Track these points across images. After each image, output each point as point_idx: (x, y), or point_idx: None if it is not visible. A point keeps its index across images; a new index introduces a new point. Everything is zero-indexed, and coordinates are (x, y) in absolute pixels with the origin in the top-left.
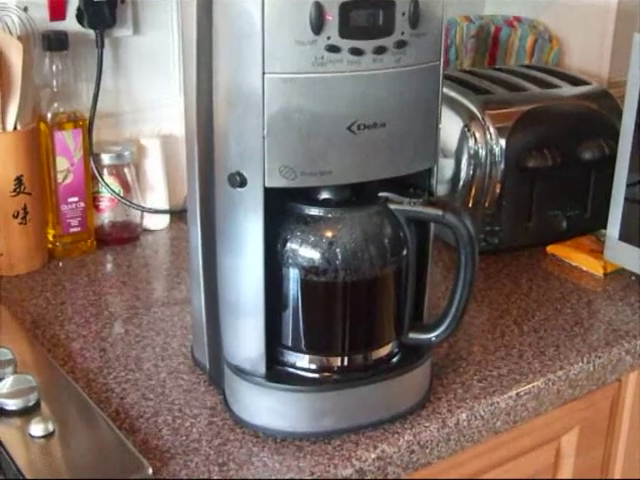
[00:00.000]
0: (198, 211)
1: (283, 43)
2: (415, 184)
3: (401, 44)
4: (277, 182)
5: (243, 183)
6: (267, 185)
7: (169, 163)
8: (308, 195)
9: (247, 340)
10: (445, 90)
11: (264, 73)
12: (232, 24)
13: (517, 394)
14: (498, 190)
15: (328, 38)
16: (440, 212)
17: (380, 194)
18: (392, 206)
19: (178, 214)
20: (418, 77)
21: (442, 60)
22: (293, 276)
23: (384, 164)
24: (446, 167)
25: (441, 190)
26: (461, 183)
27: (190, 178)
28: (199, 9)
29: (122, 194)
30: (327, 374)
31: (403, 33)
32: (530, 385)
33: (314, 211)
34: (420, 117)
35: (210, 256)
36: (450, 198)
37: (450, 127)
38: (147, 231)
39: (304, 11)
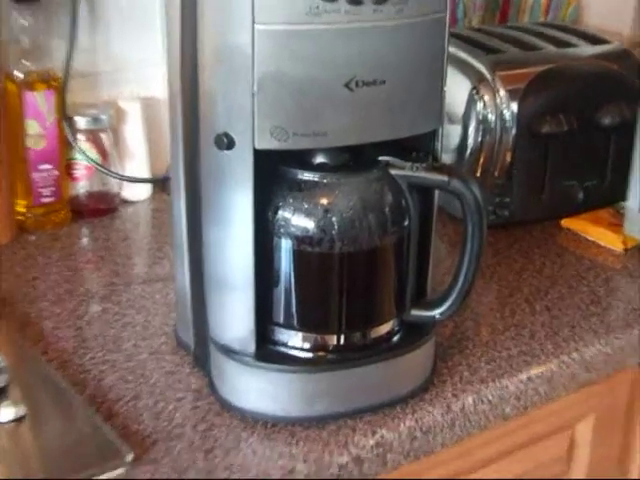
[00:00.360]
0: (182, 179)
1: None
2: (418, 148)
3: None
4: (268, 144)
5: (231, 145)
6: (257, 147)
7: (151, 128)
8: (302, 159)
9: (235, 317)
10: (452, 50)
11: (254, 23)
12: None
13: (528, 377)
14: (509, 158)
15: None
16: (445, 178)
17: (380, 158)
18: (393, 171)
19: (160, 183)
20: (422, 30)
21: (448, 11)
22: (285, 247)
23: (384, 125)
24: (452, 134)
25: (447, 159)
26: (468, 151)
27: (173, 142)
28: None
29: (99, 161)
30: (322, 353)
31: None
32: (542, 368)
33: (308, 176)
34: (424, 75)
35: (195, 228)
36: (459, 167)
37: (457, 90)
38: (126, 202)
39: None
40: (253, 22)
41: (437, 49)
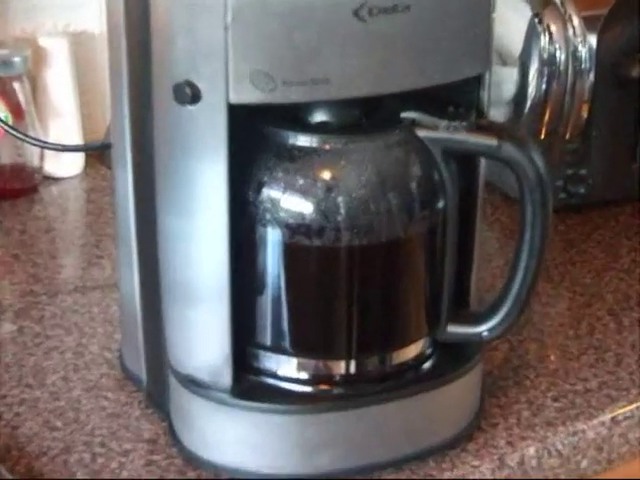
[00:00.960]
0: (128, 146)
1: None
2: (456, 100)
3: None
4: (247, 96)
5: (196, 98)
6: (232, 101)
7: (83, 75)
8: (295, 117)
9: (204, 338)
10: None
11: None
12: None
13: (613, 419)
14: (585, 114)
15: None
16: (494, 141)
17: (404, 115)
18: (422, 133)
19: (97, 153)
20: None
21: None
22: (273, 240)
23: (409, 69)
24: (506, 80)
25: (498, 116)
26: (528, 104)
27: (115, 96)
28: None
29: (11, 122)
30: (324, 387)
31: None
32: (632, 406)
33: (304, 140)
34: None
35: (147, 215)
36: (513, 126)
37: (512, 18)
38: (50, 179)
39: None
40: None
41: None
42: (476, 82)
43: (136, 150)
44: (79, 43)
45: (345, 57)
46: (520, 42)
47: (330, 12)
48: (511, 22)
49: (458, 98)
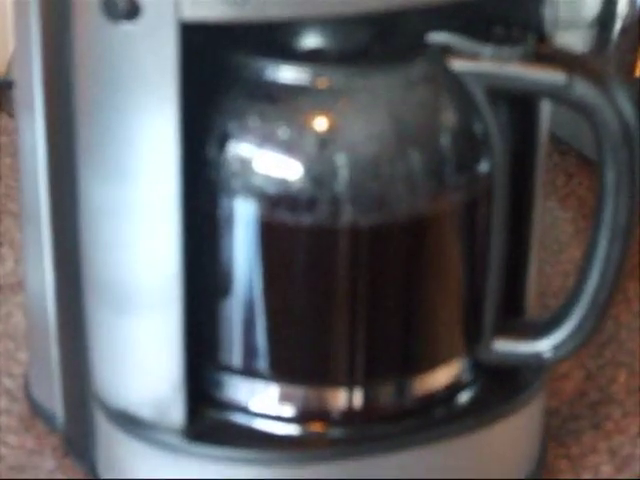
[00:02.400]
0: (38, 83)
1: None
2: (507, 18)
3: None
4: (207, 10)
5: (133, 11)
6: (186, 17)
7: None
8: (275, 41)
9: (146, 358)
10: None
11: None
12: None
13: None
14: None
15: None
16: (561, 77)
17: (432, 38)
18: (457, 64)
19: None
20: None
21: None
22: (244, 218)
23: None
24: None
25: (574, 43)
26: (618, 26)
27: (19, 12)
28: None
29: None
30: (316, 427)
31: None
32: None
33: (288, 73)
34: None
35: (64, 181)
36: (593, 56)
37: None
38: None
39: None
40: None
41: None
42: None
43: (49, 88)
44: None
45: None
46: None
47: None
48: None
49: (510, 14)
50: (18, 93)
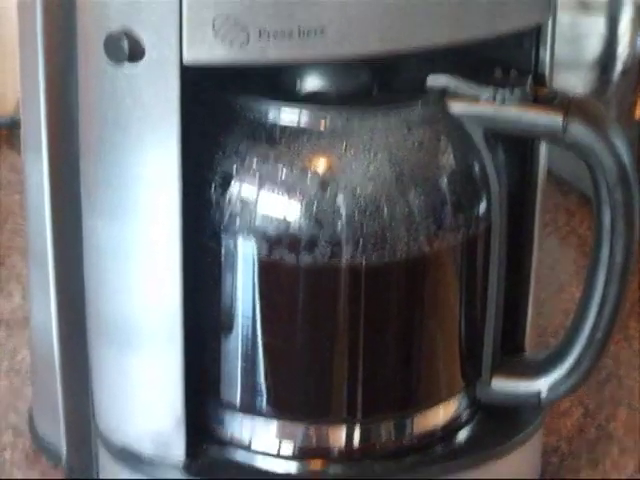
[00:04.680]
0: (44, 122)
1: None
2: (506, 60)
3: None
4: (209, 52)
5: (136, 54)
6: (187, 59)
7: None
8: (276, 82)
9: (148, 395)
10: None
11: None
12: None
13: None
14: None
15: None
16: (558, 119)
17: (432, 81)
18: (457, 106)
19: (5, 134)
20: None
21: None
22: (244, 256)
23: (438, 16)
24: (588, 33)
25: (577, 83)
26: (619, 67)
27: (25, 52)
28: None
29: None
30: (316, 464)
31: None
32: None
33: (289, 115)
34: None
35: (69, 219)
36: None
37: None
38: None
39: None
40: None
41: None
42: (534, 36)
43: (54, 128)
44: None
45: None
46: None
47: None
48: None
49: (508, 57)
50: (24, 132)
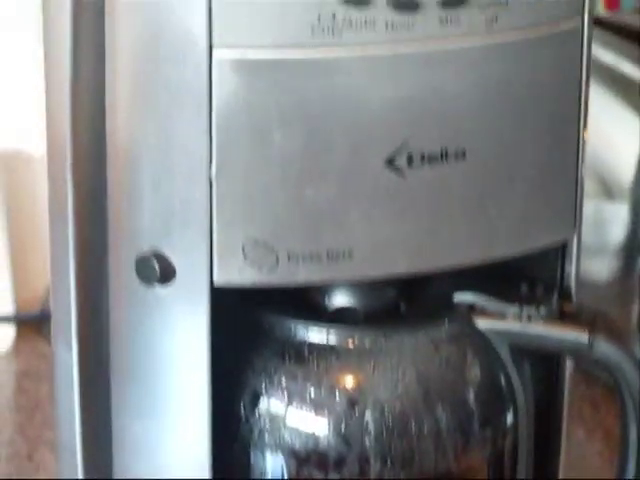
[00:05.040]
0: (74, 324)
1: None
2: (531, 276)
3: None
4: (238, 275)
5: (167, 276)
6: (217, 282)
7: (16, 211)
8: (304, 300)
9: None
10: (609, 59)
11: (211, 48)
12: None
13: None
14: None
15: None
16: (584, 336)
17: (458, 298)
18: (483, 324)
19: (33, 325)
20: (537, 52)
21: (587, 14)
22: (273, 471)
23: (463, 237)
24: (613, 219)
25: (601, 269)
26: None
27: (57, 260)
28: None
29: None
30: None
31: None
32: None
33: (317, 334)
34: (540, 135)
35: (99, 413)
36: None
37: (621, 140)
38: None
39: None
40: (210, 47)
41: (566, 86)
42: (559, 250)
43: (84, 328)
44: (12, 169)
45: (375, 222)
46: (630, 170)
47: (352, 160)
48: (620, 145)
49: (533, 272)
50: (54, 326)
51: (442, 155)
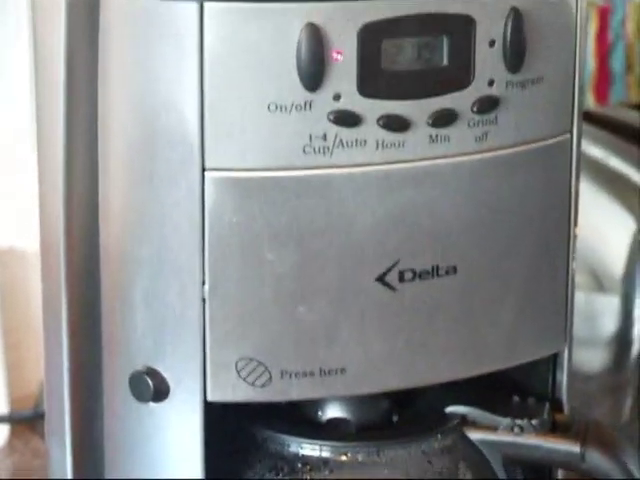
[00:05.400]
0: (68, 427)
1: (243, 109)
2: (523, 386)
3: (488, 104)
4: (231, 391)
5: (162, 393)
6: (211, 398)
7: (9, 306)
8: (297, 413)
9: None
10: (598, 153)
11: (204, 170)
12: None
13: None
14: None
15: (336, 98)
16: (576, 447)
17: (450, 410)
18: (475, 435)
19: (26, 423)
20: (525, 169)
21: (576, 128)
22: None
23: (455, 352)
24: (604, 312)
25: (592, 361)
26: (636, 347)
27: (51, 366)
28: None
29: None
30: None
31: (492, 83)
32: None
33: (310, 448)
34: (531, 245)
35: None
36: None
37: (611, 231)
38: None
39: (287, 42)
40: (203, 169)
41: (556, 191)
42: (551, 360)
43: (78, 425)
44: (5, 264)
45: (367, 338)
46: (622, 263)
47: (344, 277)
48: (610, 237)
49: (525, 383)
50: (48, 426)
51: (433, 271)
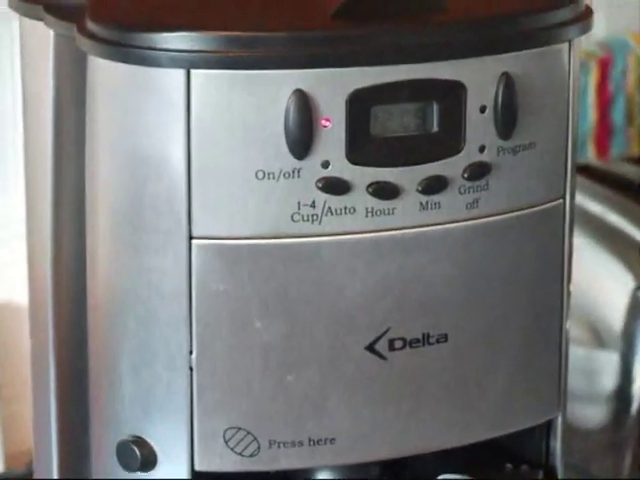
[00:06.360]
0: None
1: (231, 176)
2: (516, 453)
3: (479, 171)
4: (219, 461)
5: (148, 462)
6: (199, 467)
7: (5, 361)
8: (287, 477)
9: None
10: (597, 209)
11: (191, 239)
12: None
13: None
14: None
15: (325, 165)
16: None
17: (441, 477)
18: None
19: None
20: (517, 234)
21: (569, 197)
22: None
23: (446, 420)
24: (604, 368)
25: (593, 417)
26: (635, 404)
27: (40, 431)
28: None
29: None
30: None
31: (484, 149)
32: None
33: None
34: (523, 310)
35: None
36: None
37: (611, 288)
38: None
39: (275, 109)
40: (190, 237)
41: (549, 254)
42: (544, 427)
43: None
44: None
45: (356, 407)
46: (621, 318)
47: (334, 346)
48: (610, 292)
49: (518, 449)
50: None
51: (424, 339)
